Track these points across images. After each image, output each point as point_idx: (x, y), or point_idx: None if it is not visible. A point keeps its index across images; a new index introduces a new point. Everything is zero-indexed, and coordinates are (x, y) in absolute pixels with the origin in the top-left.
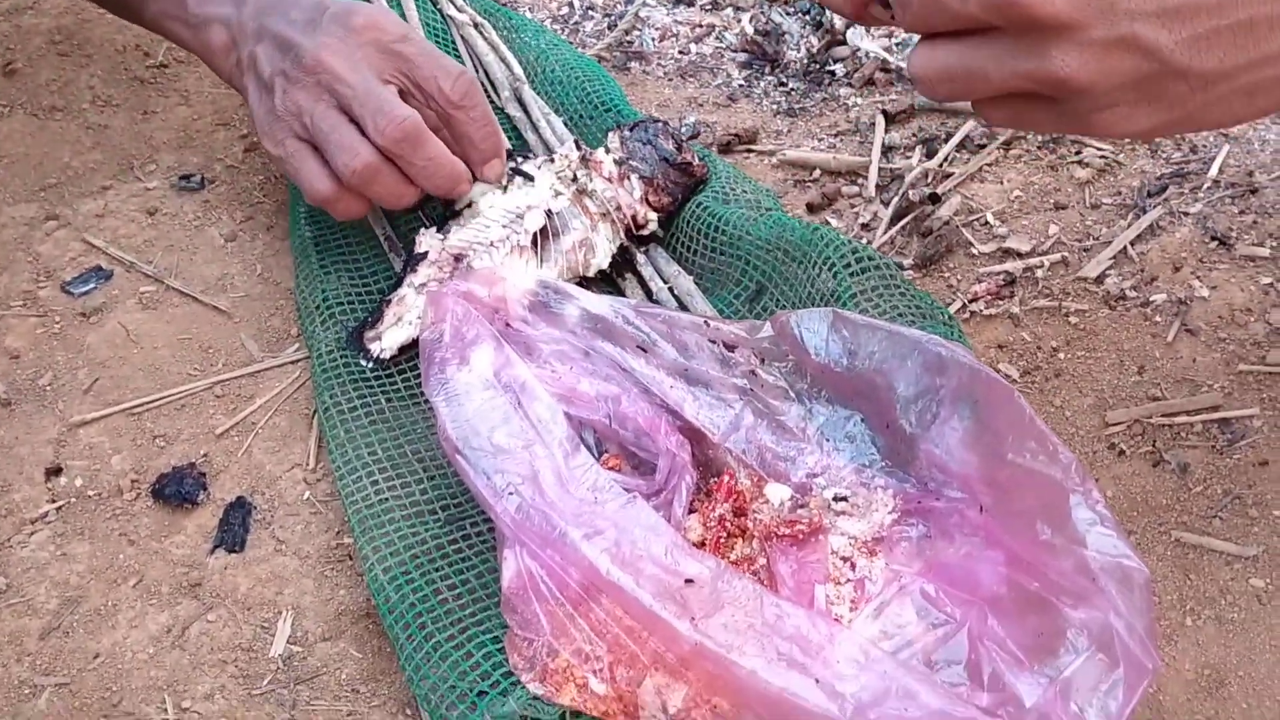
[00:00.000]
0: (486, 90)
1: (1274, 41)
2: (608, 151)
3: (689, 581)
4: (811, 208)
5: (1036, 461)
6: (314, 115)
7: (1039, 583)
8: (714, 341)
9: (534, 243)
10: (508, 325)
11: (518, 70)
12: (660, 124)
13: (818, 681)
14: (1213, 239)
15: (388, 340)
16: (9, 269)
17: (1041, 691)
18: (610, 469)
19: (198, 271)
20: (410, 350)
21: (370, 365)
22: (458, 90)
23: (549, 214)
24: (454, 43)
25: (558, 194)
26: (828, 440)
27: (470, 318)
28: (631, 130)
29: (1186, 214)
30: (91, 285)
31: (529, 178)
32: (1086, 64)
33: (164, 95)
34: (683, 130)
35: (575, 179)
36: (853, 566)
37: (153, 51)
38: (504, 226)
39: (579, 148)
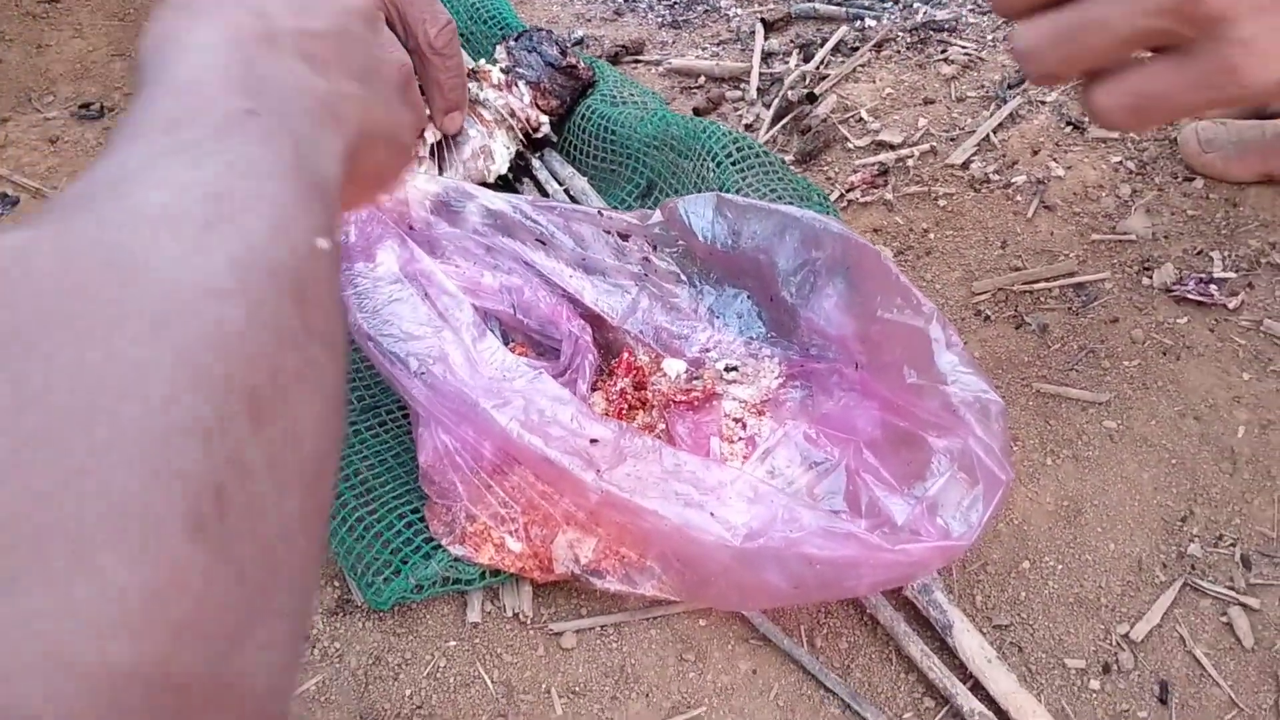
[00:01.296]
0: None
1: None
2: (494, 62)
3: (594, 441)
4: (698, 112)
5: (903, 315)
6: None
7: (908, 421)
8: (608, 232)
9: (433, 153)
10: (411, 228)
11: None
12: (544, 32)
13: (713, 515)
14: (1068, 124)
15: None
16: None
17: (910, 509)
18: (518, 353)
19: None
20: None
21: None
22: (442, 38)
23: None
24: None
25: None
26: (718, 318)
27: (373, 218)
28: (516, 40)
29: (1044, 103)
30: None
31: None
32: None
33: (57, 29)
34: (570, 42)
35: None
36: (743, 426)
37: None
38: None
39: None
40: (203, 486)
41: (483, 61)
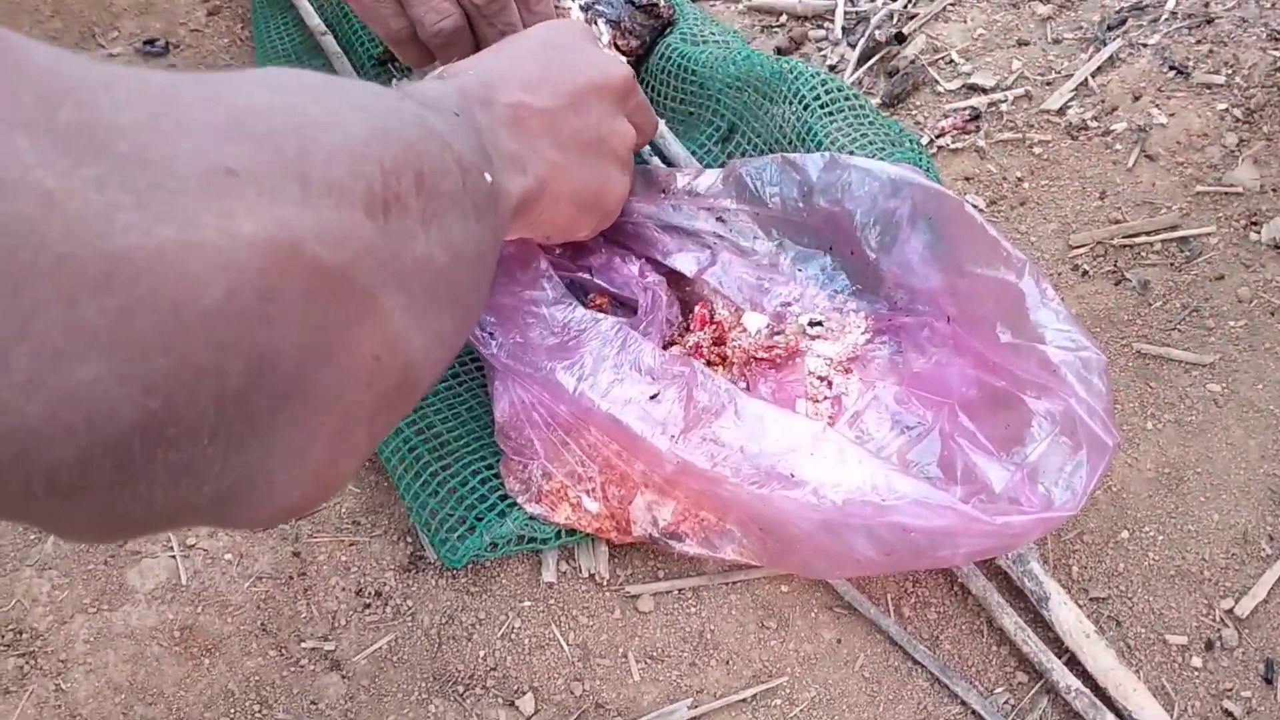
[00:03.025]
0: None
1: None
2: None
3: (653, 398)
4: (780, 51)
5: (993, 269)
6: None
7: (1005, 380)
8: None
9: None
10: None
11: None
12: None
13: (793, 476)
14: (1170, 68)
15: None
16: None
17: (1009, 476)
18: (595, 307)
19: None
20: None
21: None
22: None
23: None
24: None
25: None
26: (800, 271)
27: None
28: None
29: (1145, 45)
30: None
31: None
32: None
33: None
34: None
35: None
36: (829, 385)
37: None
38: None
39: None
40: (374, 193)
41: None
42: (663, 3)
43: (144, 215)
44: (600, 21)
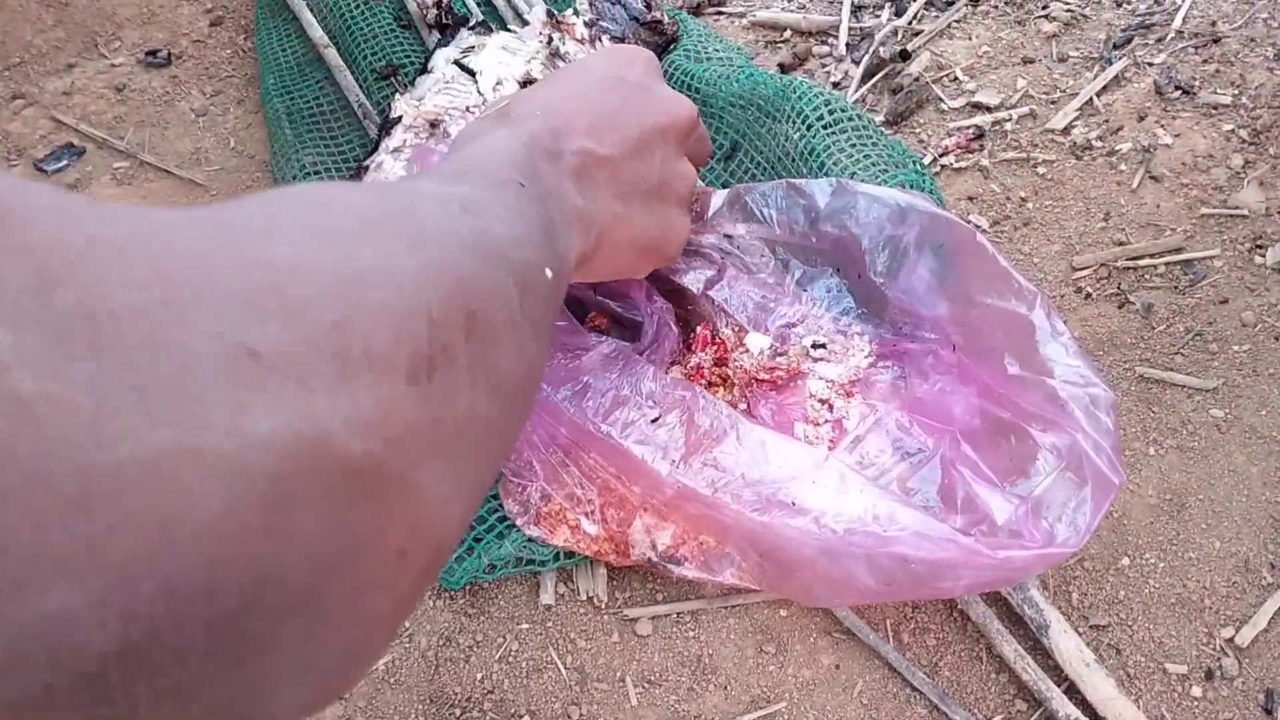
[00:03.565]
0: None
1: None
2: (577, 14)
3: (655, 421)
4: (784, 68)
5: (1004, 300)
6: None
7: (1010, 412)
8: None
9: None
10: None
11: None
12: None
13: (795, 504)
14: (1176, 88)
15: None
16: None
17: (1013, 510)
18: (594, 327)
19: (170, 146)
20: None
21: None
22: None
23: (523, 84)
24: None
25: (530, 60)
26: (805, 291)
27: None
28: None
29: (1151, 64)
30: (64, 162)
31: (471, 73)
32: None
33: None
34: None
35: (550, 41)
36: (830, 408)
37: None
38: (479, 92)
39: (550, 14)
40: (419, 354)
41: (568, 12)
42: (667, 20)
43: (142, 418)
44: (605, 38)
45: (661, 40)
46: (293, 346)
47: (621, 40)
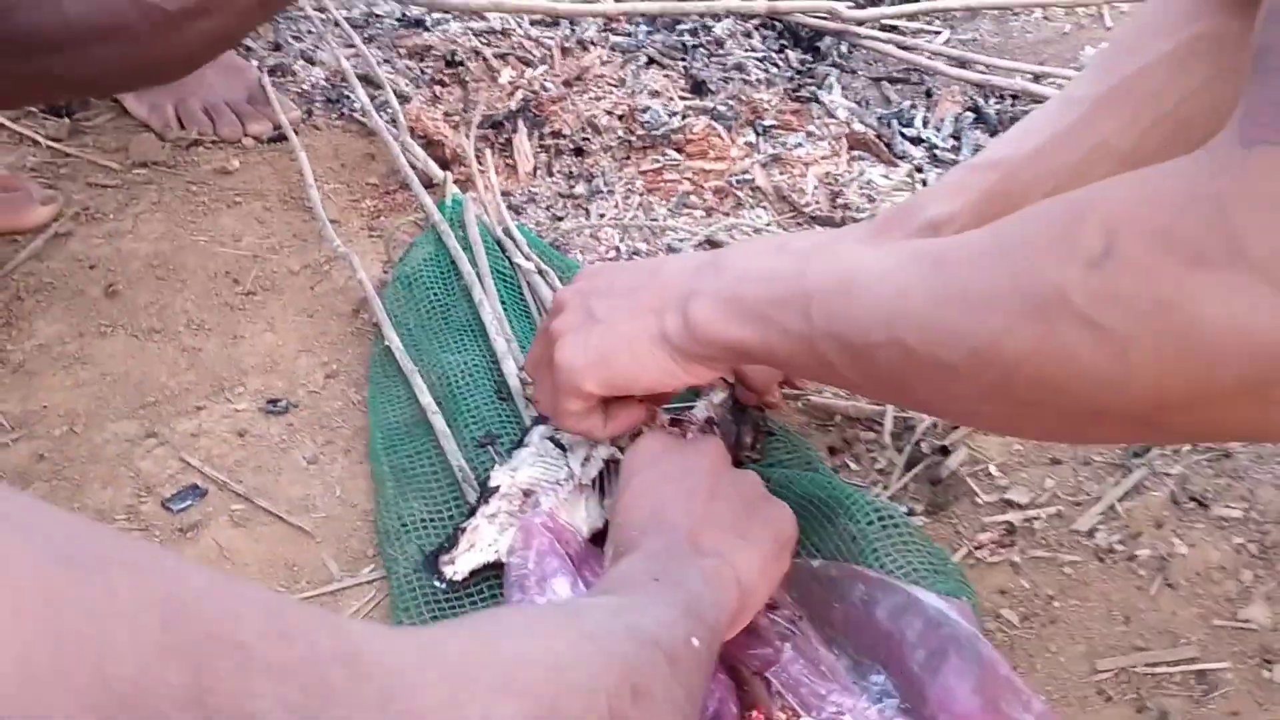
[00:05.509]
0: None
1: None
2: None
3: None
4: (833, 450)
5: (1014, 710)
6: None
7: None
8: None
9: (597, 481)
10: (575, 560)
11: None
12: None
13: None
14: (1191, 499)
15: (461, 564)
16: (113, 483)
17: None
18: None
19: (283, 492)
20: (481, 574)
21: (444, 586)
22: None
23: (608, 463)
24: (520, 288)
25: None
26: (855, 682)
27: (553, 549)
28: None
29: (1168, 474)
30: (188, 502)
31: (562, 448)
32: None
33: (252, 321)
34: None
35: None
36: None
37: (241, 279)
38: (567, 466)
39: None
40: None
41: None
42: (754, 454)
43: None
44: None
45: (750, 455)
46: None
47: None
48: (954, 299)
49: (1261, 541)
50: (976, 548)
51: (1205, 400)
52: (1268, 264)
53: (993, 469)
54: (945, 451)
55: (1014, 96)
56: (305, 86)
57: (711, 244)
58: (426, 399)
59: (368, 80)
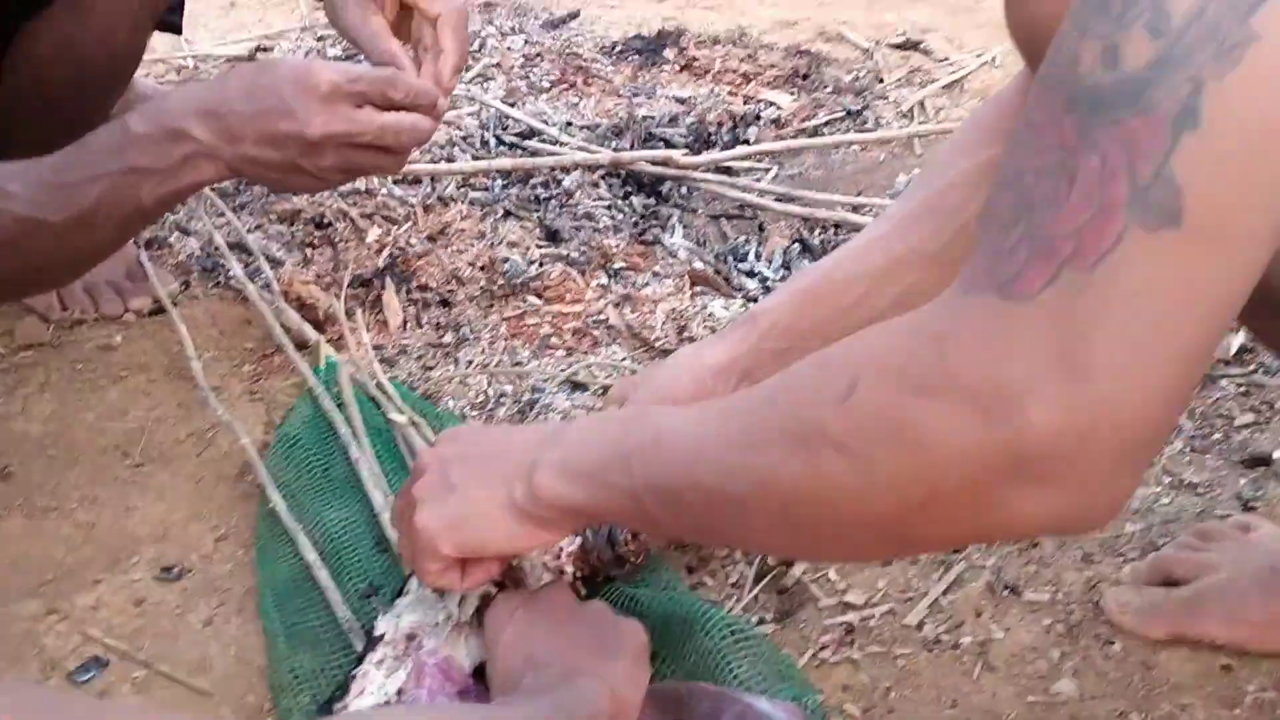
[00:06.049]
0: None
1: None
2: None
3: None
4: (690, 569)
5: None
6: (349, 161)
7: None
8: None
9: (475, 618)
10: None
11: None
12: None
13: None
14: (1005, 587)
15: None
16: (19, 662)
17: None
18: None
19: (181, 655)
20: None
21: None
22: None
23: (484, 598)
24: (395, 442)
25: None
26: None
27: (443, 689)
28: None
29: (984, 566)
30: (92, 674)
31: (440, 593)
32: None
33: (143, 492)
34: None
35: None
36: None
37: (130, 451)
38: (445, 608)
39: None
40: None
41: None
42: (634, 558)
43: None
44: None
45: (619, 570)
46: None
47: (584, 550)
48: (738, 443)
49: (1067, 620)
50: (820, 649)
51: (938, 503)
52: (975, 391)
53: (832, 574)
54: (790, 562)
55: (836, 226)
56: (181, 258)
57: (574, 384)
58: (311, 555)
59: (241, 247)
